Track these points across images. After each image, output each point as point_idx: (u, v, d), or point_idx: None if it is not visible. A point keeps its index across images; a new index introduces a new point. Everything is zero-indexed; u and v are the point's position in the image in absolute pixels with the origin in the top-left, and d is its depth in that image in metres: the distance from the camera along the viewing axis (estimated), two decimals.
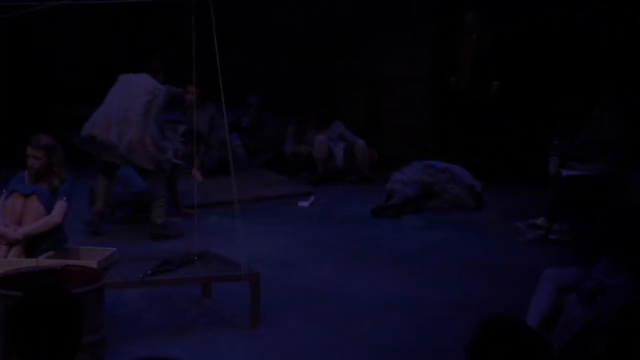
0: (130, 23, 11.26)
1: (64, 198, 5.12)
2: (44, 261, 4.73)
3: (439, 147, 10.04)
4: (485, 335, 2.38)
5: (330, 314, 5.15)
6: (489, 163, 9.40)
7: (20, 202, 5.05)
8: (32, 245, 5.02)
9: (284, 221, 7.58)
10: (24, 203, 5.06)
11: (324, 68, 10.59)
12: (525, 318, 4.35)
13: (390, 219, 7.62)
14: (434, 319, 5.09)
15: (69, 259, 4.88)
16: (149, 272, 4.80)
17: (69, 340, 2.50)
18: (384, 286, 5.65)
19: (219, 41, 4.78)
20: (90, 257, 4.91)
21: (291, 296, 5.42)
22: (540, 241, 6.75)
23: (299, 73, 10.62)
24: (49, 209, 5.06)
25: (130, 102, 6.68)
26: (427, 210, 7.91)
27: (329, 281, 5.77)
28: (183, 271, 4.93)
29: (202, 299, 5.33)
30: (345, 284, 5.69)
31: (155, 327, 4.91)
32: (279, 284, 5.61)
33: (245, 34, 10.73)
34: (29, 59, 9.40)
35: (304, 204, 8.29)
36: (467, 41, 9.54)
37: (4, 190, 5.20)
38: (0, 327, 3.59)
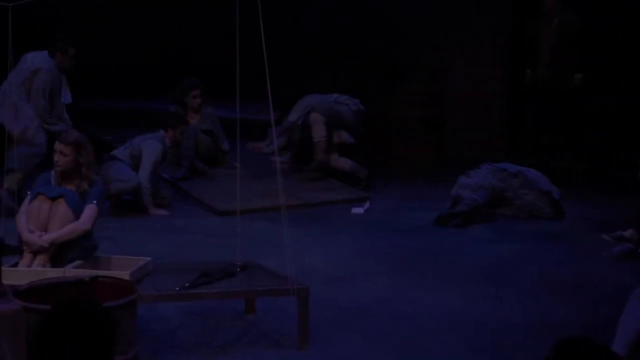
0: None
1: (94, 202, 5.17)
2: (72, 271, 4.80)
3: (512, 148, 9.95)
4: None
5: (386, 333, 5.13)
6: (570, 166, 9.30)
7: (47, 206, 5.10)
8: (58, 253, 5.07)
9: (336, 229, 7.58)
10: (51, 207, 5.11)
11: (378, 59, 10.60)
12: (610, 342, 4.28)
13: (455, 228, 7.57)
14: (505, 342, 5.04)
15: (98, 269, 4.94)
16: (187, 284, 4.83)
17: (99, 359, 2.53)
18: (447, 304, 5.61)
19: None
20: (122, 267, 4.97)
21: (343, 313, 5.42)
22: (628, 256, 6.64)
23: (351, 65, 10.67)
24: (77, 213, 5.12)
25: (15, 81, 7.86)
26: (498, 219, 7.84)
27: (385, 297, 5.75)
28: (224, 284, 4.95)
29: (245, 314, 5.36)
30: (403, 301, 5.67)
31: (192, 345, 4.95)
32: (330, 299, 5.61)
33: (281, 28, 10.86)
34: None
35: (359, 210, 8.28)
36: (546, 28, 9.41)
37: (29, 193, 5.27)
38: (24, 343, 3.67)
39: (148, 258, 5.14)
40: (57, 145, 5.23)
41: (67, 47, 8.33)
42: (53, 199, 5.13)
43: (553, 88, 9.39)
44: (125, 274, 4.69)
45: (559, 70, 9.34)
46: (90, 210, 5.14)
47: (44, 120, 8.00)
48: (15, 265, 5.03)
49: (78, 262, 5.01)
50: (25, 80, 8.03)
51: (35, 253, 5.05)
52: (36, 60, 8.13)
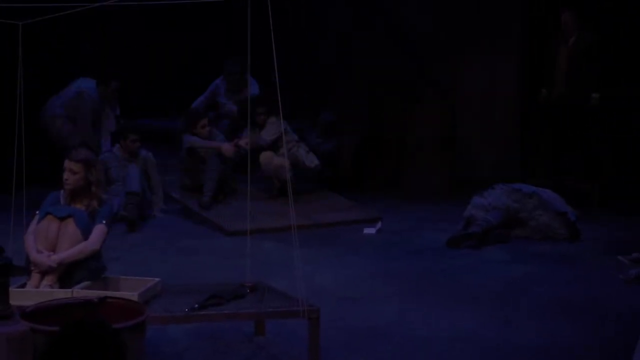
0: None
1: (104, 222, 5.19)
2: (80, 292, 4.82)
3: (526, 167, 9.95)
4: None
5: (398, 357, 5.13)
6: (586, 187, 9.28)
7: (55, 226, 5.13)
8: (66, 274, 5.09)
9: (347, 250, 7.59)
10: (59, 227, 5.14)
11: (390, 77, 10.62)
12: None
13: (469, 249, 7.57)
14: None
15: (107, 289, 4.96)
16: (196, 305, 4.85)
17: None
18: (460, 326, 5.61)
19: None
20: (131, 288, 4.98)
21: (354, 334, 5.42)
22: None
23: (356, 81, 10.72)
24: (86, 234, 5.14)
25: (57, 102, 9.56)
26: (512, 241, 7.85)
27: (397, 318, 5.76)
28: (233, 305, 4.96)
29: (255, 337, 5.37)
30: (415, 322, 5.67)
31: None
32: (341, 321, 5.62)
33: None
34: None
35: (370, 230, 8.30)
36: (562, 46, 9.38)
37: (37, 213, 5.30)
38: None
39: (157, 279, 5.17)
40: (67, 164, 5.24)
41: (110, 80, 9.53)
42: (62, 219, 5.15)
43: (569, 107, 9.36)
44: (133, 295, 4.70)
45: (575, 90, 9.31)
46: (99, 231, 5.16)
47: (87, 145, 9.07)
48: (23, 285, 5.06)
49: (86, 283, 5.03)
50: (69, 100, 9.44)
51: (44, 273, 5.07)
52: (82, 85, 9.48)
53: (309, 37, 11.38)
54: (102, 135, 9.67)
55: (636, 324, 4.63)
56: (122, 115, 10.05)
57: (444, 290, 6.39)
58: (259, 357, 5.09)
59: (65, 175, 5.22)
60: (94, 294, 4.62)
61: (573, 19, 9.26)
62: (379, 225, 8.43)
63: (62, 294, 4.79)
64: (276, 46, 4.86)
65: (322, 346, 4.92)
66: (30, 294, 4.84)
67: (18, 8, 5.60)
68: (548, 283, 6.59)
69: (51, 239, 5.12)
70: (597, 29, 9.34)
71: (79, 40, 10.94)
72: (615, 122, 9.56)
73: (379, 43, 10.69)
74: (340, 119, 10.49)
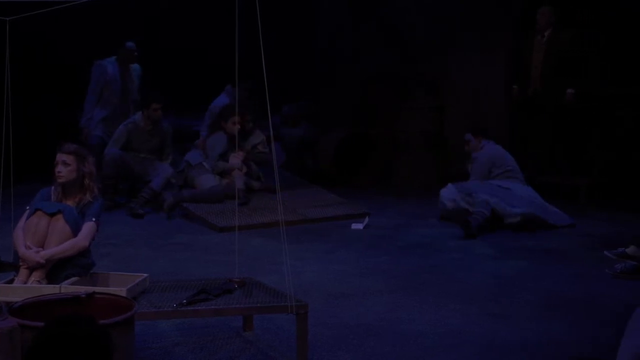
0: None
1: (93, 219, 5.17)
2: (68, 288, 4.80)
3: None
4: None
5: (388, 352, 5.13)
6: (573, 182, 9.32)
7: (45, 222, 5.11)
8: (55, 270, 5.08)
9: (336, 246, 7.59)
10: (49, 223, 5.12)
11: (380, 74, 10.63)
12: None
13: (459, 243, 7.62)
14: (508, 359, 5.04)
15: (96, 285, 4.94)
16: (184, 301, 4.84)
17: None
18: (449, 322, 5.61)
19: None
20: (120, 283, 4.97)
21: (343, 331, 5.41)
22: (631, 273, 6.64)
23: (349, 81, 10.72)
24: (75, 230, 5.12)
25: None
26: (498, 232, 7.91)
27: (386, 314, 5.75)
28: (222, 301, 4.95)
29: (243, 332, 5.36)
30: (405, 318, 5.67)
31: None
32: (329, 316, 5.62)
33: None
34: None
35: (358, 226, 8.30)
36: (537, 43, 9.40)
37: (27, 208, 5.28)
38: None
39: (145, 274, 5.15)
40: (59, 157, 5.22)
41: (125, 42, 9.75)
42: (51, 215, 5.13)
43: (545, 103, 9.40)
44: (122, 291, 4.69)
45: (549, 86, 9.36)
46: (88, 228, 5.14)
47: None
48: (12, 281, 5.04)
49: (75, 279, 5.02)
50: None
51: (32, 269, 5.05)
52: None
53: (300, 33, 11.37)
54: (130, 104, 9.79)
55: (623, 317, 4.63)
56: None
57: (434, 286, 6.39)
58: (247, 352, 5.08)
59: (58, 168, 5.20)
60: (82, 289, 4.60)
61: (547, 14, 9.28)
62: (366, 220, 8.43)
63: (50, 289, 4.77)
64: (269, 42, 4.84)
65: (310, 342, 4.91)
66: (19, 289, 4.81)
67: (5, 3, 5.56)
68: (537, 278, 6.60)
69: (40, 234, 5.09)
70: (578, 25, 9.38)
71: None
72: (602, 119, 9.59)
73: (370, 40, 10.70)
74: (327, 114, 10.51)
